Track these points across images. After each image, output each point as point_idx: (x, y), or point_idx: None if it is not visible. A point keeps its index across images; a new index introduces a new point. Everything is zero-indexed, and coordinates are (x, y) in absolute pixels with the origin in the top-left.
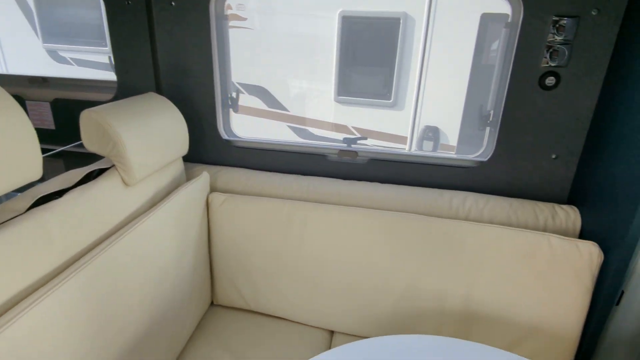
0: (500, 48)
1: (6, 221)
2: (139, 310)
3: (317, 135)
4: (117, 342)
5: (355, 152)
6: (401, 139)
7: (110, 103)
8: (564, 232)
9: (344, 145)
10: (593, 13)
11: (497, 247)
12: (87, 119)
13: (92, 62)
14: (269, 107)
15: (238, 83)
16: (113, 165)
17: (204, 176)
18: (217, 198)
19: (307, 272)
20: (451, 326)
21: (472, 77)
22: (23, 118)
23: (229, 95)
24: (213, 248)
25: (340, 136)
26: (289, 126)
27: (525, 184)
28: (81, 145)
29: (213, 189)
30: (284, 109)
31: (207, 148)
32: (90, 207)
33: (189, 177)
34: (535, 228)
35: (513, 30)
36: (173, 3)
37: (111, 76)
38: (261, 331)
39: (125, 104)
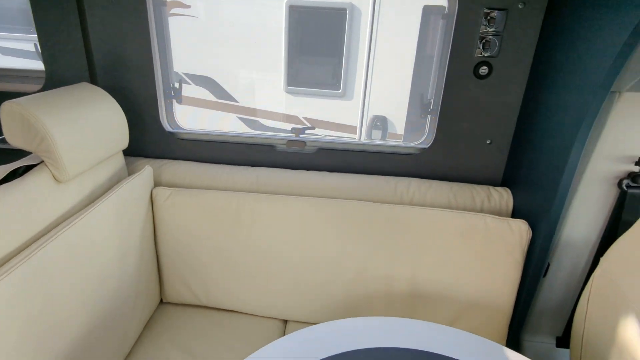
0: (438, 39)
1: None
2: (80, 313)
3: (267, 126)
4: (56, 346)
5: (303, 142)
6: (351, 129)
7: (37, 94)
8: (498, 212)
9: (292, 136)
10: (520, 6)
11: (439, 229)
12: (9, 112)
13: (19, 50)
14: (218, 98)
15: (184, 73)
16: (42, 161)
17: (147, 170)
18: (162, 192)
19: (258, 263)
20: (398, 307)
21: (416, 68)
22: None
23: (172, 86)
24: (160, 244)
25: (291, 127)
26: (238, 117)
27: (464, 168)
28: (4, 141)
29: (157, 184)
30: (233, 100)
31: (150, 141)
32: (17, 206)
33: (131, 171)
34: (473, 209)
35: (449, 22)
36: None
37: (40, 65)
38: (213, 325)
39: (54, 94)
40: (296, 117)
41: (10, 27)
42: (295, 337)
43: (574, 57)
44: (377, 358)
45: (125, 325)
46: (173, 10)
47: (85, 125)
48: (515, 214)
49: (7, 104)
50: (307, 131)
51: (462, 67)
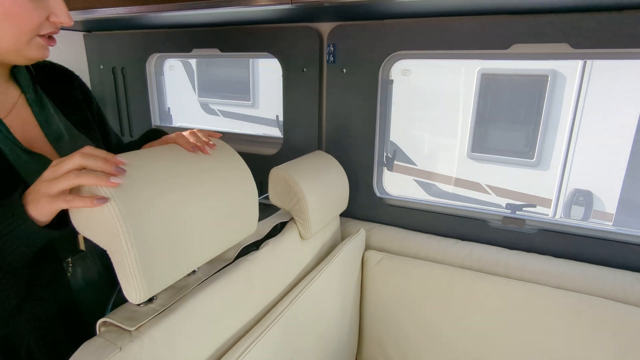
0: None
1: (221, 269)
2: None
3: (445, 192)
4: None
5: (522, 220)
6: (542, 201)
7: (291, 162)
8: None
9: (507, 212)
10: None
11: None
12: (276, 176)
13: (235, 113)
14: (397, 160)
15: None
16: (291, 219)
17: (361, 233)
18: (374, 257)
19: (466, 349)
20: None
21: (637, 137)
22: (249, 175)
23: (385, 155)
24: (364, 307)
25: (473, 194)
26: (415, 180)
27: None
28: (266, 198)
29: (367, 246)
30: (412, 162)
31: (361, 205)
32: (279, 258)
33: (343, 232)
34: None
35: None
36: (344, 70)
37: (252, 127)
38: None
39: (303, 162)
40: (478, 184)
41: (232, 96)
42: None
43: None
44: None
45: None
46: None
47: (325, 190)
48: None
49: (275, 170)
50: (524, 208)
51: None
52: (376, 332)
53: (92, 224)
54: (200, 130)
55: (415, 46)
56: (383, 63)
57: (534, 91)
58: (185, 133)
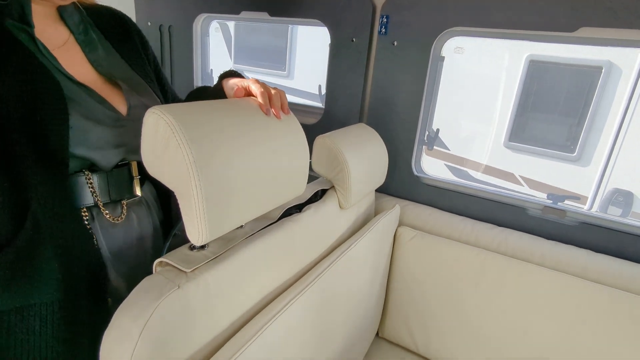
0: None
1: (265, 227)
2: (341, 331)
3: (476, 179)
4: (322, 353)
5: (563, 211)
6: (576, 198)
7: (335, 132)
8: None
9: (549, 202)
10: None
11: None
12: (321, 144)
13: (268, 83)
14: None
15: None
16: (332, 187)
17: (396, 209)
18: (407, 233)
19: (490, 333)
20: None
21: None
22: (304, 139)
23: (427, 133)
24: (391, 282)
25: (505, 184)
26: (446, 165)
27: None
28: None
29: (400, 223)
30: (445, 147)
31: (397, 181)
32: (318, 224)
33: (377, 207)
34: None
35: None
36: (395, 43)
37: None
38: None
39: (347, 133)
40: (512, 174)
41: (267, 64)
42: None
43: None
44: None
45: (354, 352)
46: None
47: (366, 162)
48: None
49: (320, 137)
50: (566, 200)
51: None
52: (401, 308)
53: (165, 166)
54: (275, 89)
55: (474, 23)
56: (437, 38)
57: (584, 83)
58: (258, 91)
